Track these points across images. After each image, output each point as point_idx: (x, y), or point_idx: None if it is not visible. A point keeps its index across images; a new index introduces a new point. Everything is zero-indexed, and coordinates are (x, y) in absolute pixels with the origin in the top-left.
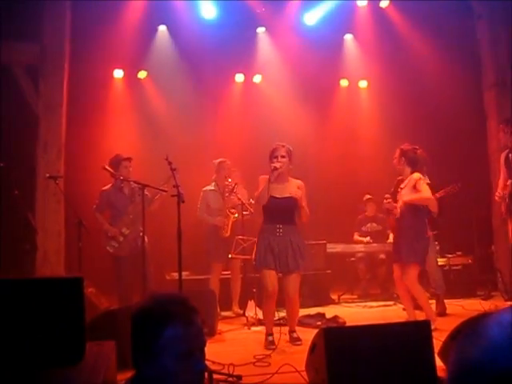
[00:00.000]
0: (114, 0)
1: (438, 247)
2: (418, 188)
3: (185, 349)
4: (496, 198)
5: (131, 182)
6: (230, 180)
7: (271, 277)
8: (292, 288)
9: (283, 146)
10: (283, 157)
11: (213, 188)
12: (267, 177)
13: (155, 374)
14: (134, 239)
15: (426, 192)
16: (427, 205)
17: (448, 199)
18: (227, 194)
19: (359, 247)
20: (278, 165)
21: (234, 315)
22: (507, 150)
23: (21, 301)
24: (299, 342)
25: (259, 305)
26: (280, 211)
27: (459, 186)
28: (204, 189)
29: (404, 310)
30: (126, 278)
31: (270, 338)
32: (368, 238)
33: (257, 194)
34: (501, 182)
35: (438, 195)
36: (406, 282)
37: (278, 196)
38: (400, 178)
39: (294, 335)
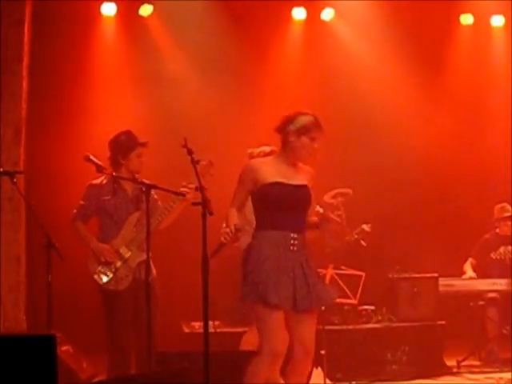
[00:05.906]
0: None
1: None
2: None
3: None
4: None
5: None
6: None
7: (282, 323)
8: (310, 336)
9: None
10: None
11: None
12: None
13: None
14: (137, 267)
15: None
16: None
17: None
18: None
19: (490, 283)
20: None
21: None
22: None
23: None
24: None
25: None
26: (293, 208)
27: None
28: None
29: None
30: (123, 327)
31: None
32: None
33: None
34: None
35: None
36: None
37: (288, 182)
38: None
39: None
